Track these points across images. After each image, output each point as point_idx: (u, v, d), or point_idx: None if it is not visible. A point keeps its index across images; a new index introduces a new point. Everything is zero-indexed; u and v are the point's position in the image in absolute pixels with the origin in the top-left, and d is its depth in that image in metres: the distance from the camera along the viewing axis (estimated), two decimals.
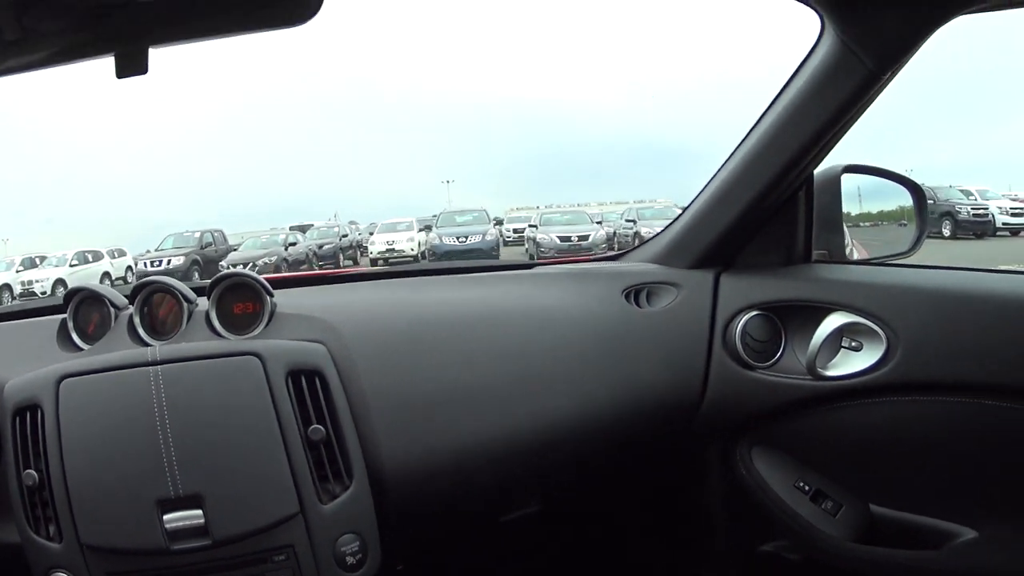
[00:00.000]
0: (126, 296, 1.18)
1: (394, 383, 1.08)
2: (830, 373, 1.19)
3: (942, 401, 1.13)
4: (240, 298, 1.15)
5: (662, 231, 1.41)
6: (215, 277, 1.16)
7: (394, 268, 1.59)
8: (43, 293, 12.54)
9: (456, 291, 1.28)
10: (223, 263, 12.95)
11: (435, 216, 14.33)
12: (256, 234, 15.18)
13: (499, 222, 14.66)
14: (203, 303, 1.16)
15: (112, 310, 1.16)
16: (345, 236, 14.93)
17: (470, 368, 1.12)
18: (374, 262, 12.83)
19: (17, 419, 0.99)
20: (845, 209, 1.34)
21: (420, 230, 13.90)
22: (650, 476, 1.39)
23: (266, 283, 1.15)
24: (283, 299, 1.16)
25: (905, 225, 1.45)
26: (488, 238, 12.53)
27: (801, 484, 1.25)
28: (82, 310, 1.18)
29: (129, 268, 15.43)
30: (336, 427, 1.02)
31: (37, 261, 14.71)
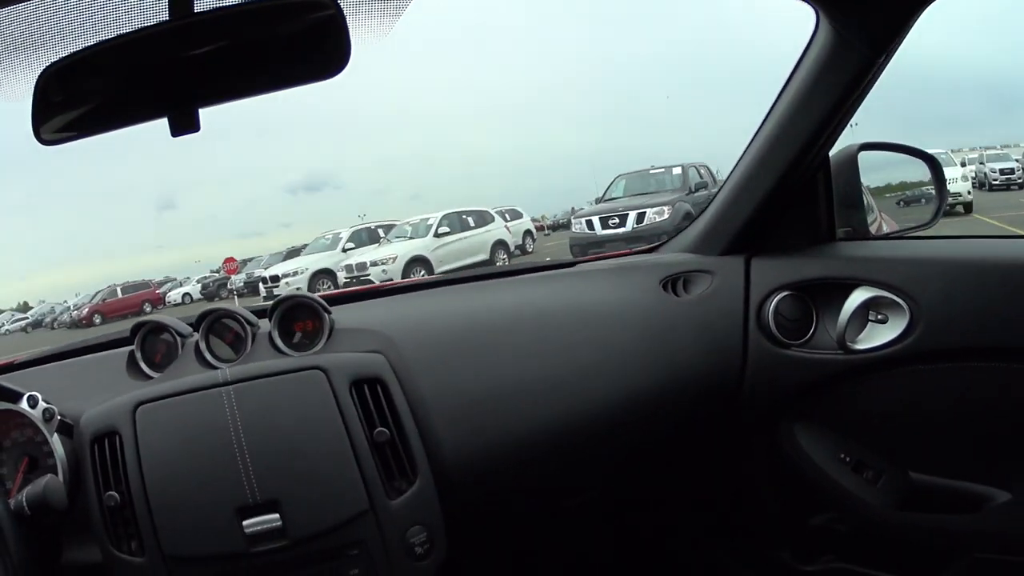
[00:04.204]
0: (190, 324, 1.28)
1: (450, 384, 1.17)
2: (859, 346, 1.23)
3: (968, 367, 1.16)
4: (299, 317, 1.24)
5: (694, 221, 1.47)
6: (275, 300, 1.26)
7: (444, 276, 1.66)
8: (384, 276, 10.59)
9: (504, 294, 1.37)
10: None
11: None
12: None
13: None
14: (264, 324, 1.25)
15: (177, 339, 1.25)
16: None
17: (521, 365, 1.19)
18: None
19: (95, 446, 1.09)
20: (867, 182, 1.37)
21: None
22: (699, 458, 1.45)
23: (323, 301, 1.24)
24: (340, 315, 1.25)
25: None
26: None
27: (843, 456, 1.29)
28: (148, 341, 1.27)
29: (529, 233, 12.45)
30: (399, 428, 1.10)
31: (380, 234, 12.32)
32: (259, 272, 13.17)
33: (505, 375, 1.19)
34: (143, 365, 1.26)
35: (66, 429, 1.12)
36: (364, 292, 1.50)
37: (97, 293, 16.95)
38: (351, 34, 0.89)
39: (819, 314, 1.29)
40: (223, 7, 0.93)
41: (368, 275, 11.10)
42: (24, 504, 0.93)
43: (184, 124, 0.95)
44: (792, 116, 1.24)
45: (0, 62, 1.01)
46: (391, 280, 10.22)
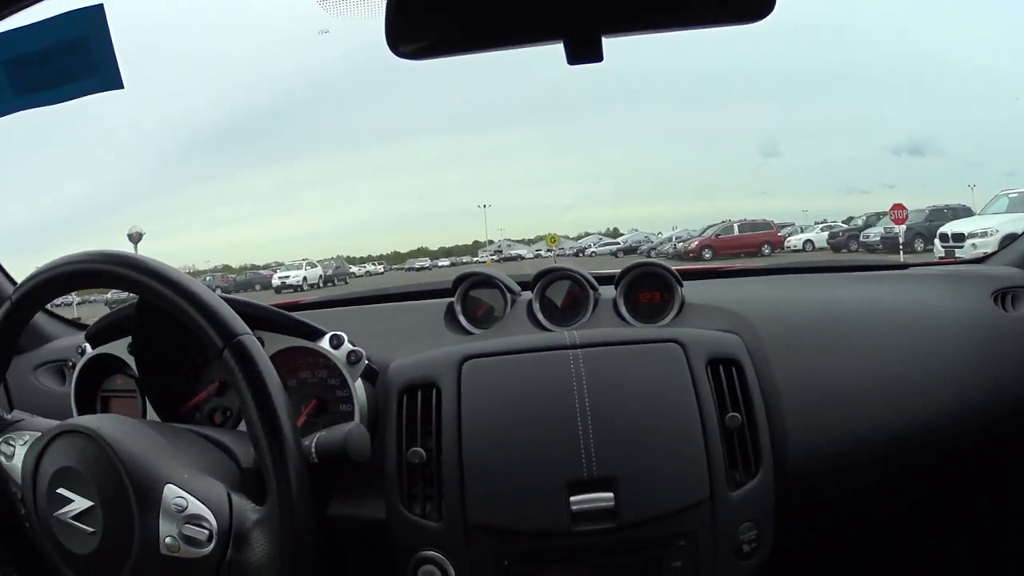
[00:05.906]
0: (520, 284, 1.22)
1: (803, 375, 1.08)
2: None
3: None
4: (647, 287, 1.19)
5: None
6: (626, 266, 1.20)
7: (789, 264, 1.60)
8: None
9: (849, 289, 1.29)
10: None
11: None
12: None
13: None
14: (605, 291, 1.20)
15: (508, 296, 1.20)
16: None
17: (871, 363, 1.12)
18: None
19: (404, 397, 1.01)
20: None
21: None
22: (993, 483, 1.36)
23: (677, 273, 1.18)
24: (689, 291, 1.19)
25: None
26: None
27: None
28: (471, 295, 1.22)
29: None
30: (750, 415, 1.01)
31: None
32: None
33: (857, 371, 1.10)
34: (463, 319, 1.20)
35: (371, 375, 1.04)
36: (712, 271, 1.43)
37: (709, 227, 15.43)
38: None
39: None
40: None
41: None
42: (313, 451, 0.82)
43: (585, 52, 0.89)
44: None
45: None
46: None
